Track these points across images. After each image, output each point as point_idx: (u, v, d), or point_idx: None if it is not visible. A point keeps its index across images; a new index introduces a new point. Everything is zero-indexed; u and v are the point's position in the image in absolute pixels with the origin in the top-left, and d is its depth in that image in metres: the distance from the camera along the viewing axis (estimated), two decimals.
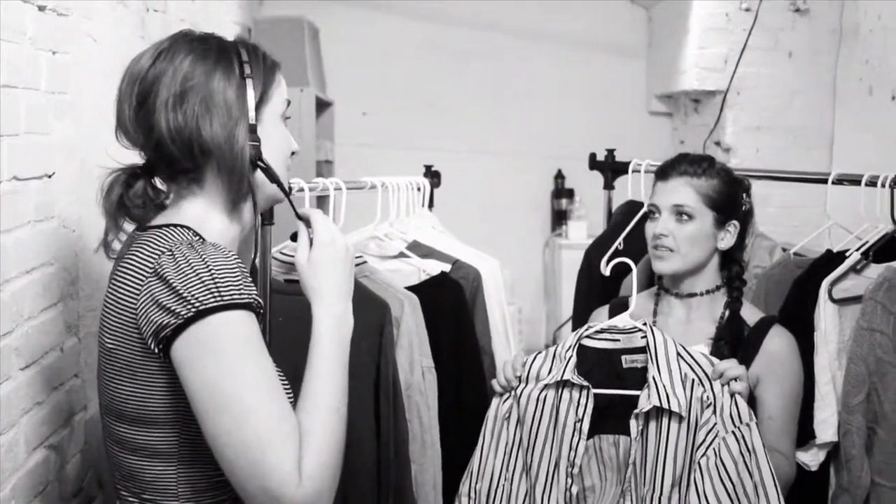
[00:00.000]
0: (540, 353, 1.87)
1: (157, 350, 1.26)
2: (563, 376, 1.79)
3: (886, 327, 2.00)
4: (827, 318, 2.11)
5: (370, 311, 1.97)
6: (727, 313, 2.03)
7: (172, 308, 1.23)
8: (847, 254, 2.18)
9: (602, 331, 1.86)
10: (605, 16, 5.18)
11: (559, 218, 5.18)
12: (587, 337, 1.85)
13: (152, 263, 1.29)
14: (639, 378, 1.78)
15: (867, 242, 2.20)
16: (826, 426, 2.06)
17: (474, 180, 4.89)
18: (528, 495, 1.83)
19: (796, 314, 2.14)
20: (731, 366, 1.77)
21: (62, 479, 1.77)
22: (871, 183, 2.21)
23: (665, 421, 1.74)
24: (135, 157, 1.44)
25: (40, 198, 1.68)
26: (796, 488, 1.96)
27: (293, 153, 1.49)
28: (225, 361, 1.22)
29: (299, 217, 1.47)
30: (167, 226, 1.36)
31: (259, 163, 1.39)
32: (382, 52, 5.00)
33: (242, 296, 1.26)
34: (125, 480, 1.36)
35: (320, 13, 4.70)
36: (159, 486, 1.33)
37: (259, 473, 1.19)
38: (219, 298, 1.23)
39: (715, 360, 1.78)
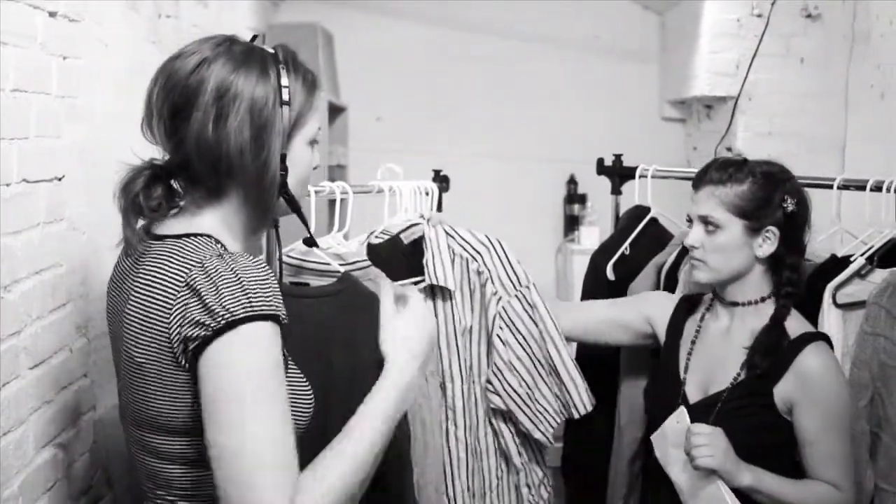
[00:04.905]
0: None
1: (185, 363, 1.26)
2: None
3: (890, 332, 1.99)
4: (831, 322, 2.10)
5: (373, 312, 1.98)
6: (768, 322, 1.94)
7: (203, 321, 1.23)
8: (852, 259, 2.18)
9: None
10: (617, 21, 5.18)
11: (571, 223, 5.17)
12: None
13: (184, 276, 1.27)
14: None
15: (872, 247, 2.19)
16: None
17: (488, 185, 4.90)
18: None
19: None
20: (705, 442, 1.79)
21: (70, 477, 1.80)
22: (877, 188, 2.20)
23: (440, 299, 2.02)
24: (154, 150, 1.43)
25: (50, 200, 1.71)
26: None
27: (315, 168, 1.49)
28: (244, 371, 1.22)
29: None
30: (188, 235, 1.35)
31: (284, 194, 1.40)
32: (396, 58, 5.02)
33: (272, 307, 1.25)
34: (159, 489, 1.35)
35: (335, 19, 4.73)
36: (199, 492, 1.33)
37: (250, 493, 1.18)
38: (248, 308, 1.23)
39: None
